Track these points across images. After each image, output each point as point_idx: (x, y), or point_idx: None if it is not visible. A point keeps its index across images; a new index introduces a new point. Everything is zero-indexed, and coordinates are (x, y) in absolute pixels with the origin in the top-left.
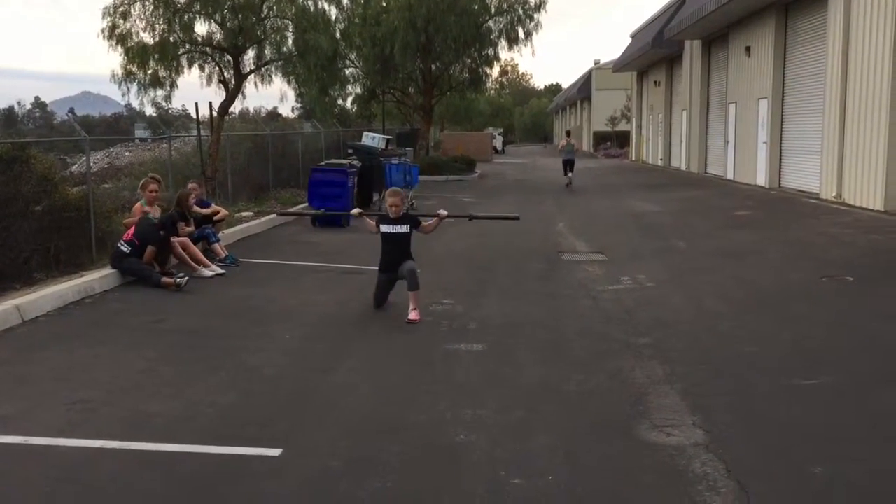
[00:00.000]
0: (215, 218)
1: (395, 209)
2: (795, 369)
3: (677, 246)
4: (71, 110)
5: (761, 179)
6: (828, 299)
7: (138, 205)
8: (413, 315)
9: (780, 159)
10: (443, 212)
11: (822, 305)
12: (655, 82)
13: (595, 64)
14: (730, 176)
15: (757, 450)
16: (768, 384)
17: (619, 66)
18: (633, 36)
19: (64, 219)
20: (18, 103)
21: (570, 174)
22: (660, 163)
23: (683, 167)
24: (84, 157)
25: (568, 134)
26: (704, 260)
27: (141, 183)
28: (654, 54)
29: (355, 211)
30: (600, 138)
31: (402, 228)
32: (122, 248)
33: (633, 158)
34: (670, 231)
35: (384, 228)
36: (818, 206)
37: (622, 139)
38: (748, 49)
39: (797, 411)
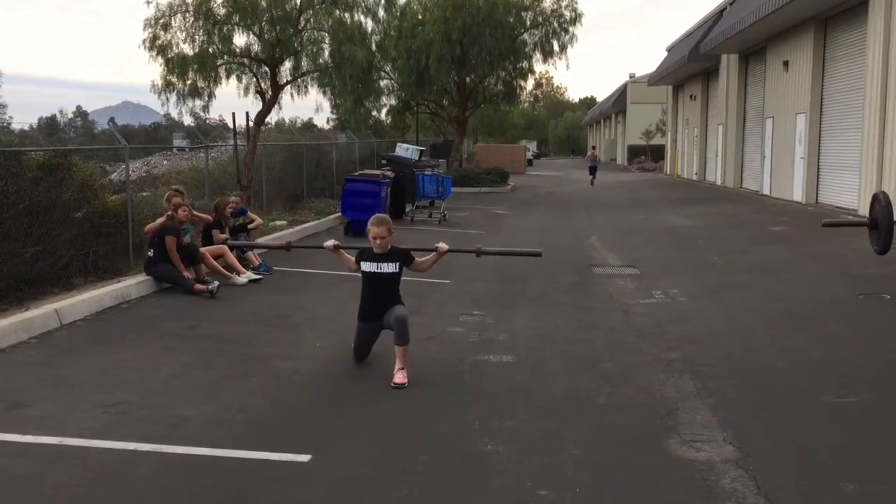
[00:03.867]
0: (250, 226)
1: (381, 242)
2: (829, 386)
3: (711, 261)
4: (111, 119)
5: (798, 195)
6: (864, 317)
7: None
8: (399, 377)
9: (818, 175)
10: (443, 245)
11: (858, 323)
12: (691, 96)
13: (630, 77)
14: (766, 191)
15: (788, 466)
16: (801, 401)
17: (655, 79)
18: (670, 49)
19: (103, 225)
20: (61, 112)
21: (593, 177)
22: (695, 177)
23: (719, 182)
24: (123, 166)
25: (593, 148)
26: (738, 275)
27: (165, 196)
28: (690, 68)
29: (329, 243)
30: (635, 152)
31: (390, 268)
32: (149, 253)
33: (668, 172)
34: (704, 246)
35: (366, 267)
36: None
37: (657, 153)
38: (786, 63)
39: (830, 428)
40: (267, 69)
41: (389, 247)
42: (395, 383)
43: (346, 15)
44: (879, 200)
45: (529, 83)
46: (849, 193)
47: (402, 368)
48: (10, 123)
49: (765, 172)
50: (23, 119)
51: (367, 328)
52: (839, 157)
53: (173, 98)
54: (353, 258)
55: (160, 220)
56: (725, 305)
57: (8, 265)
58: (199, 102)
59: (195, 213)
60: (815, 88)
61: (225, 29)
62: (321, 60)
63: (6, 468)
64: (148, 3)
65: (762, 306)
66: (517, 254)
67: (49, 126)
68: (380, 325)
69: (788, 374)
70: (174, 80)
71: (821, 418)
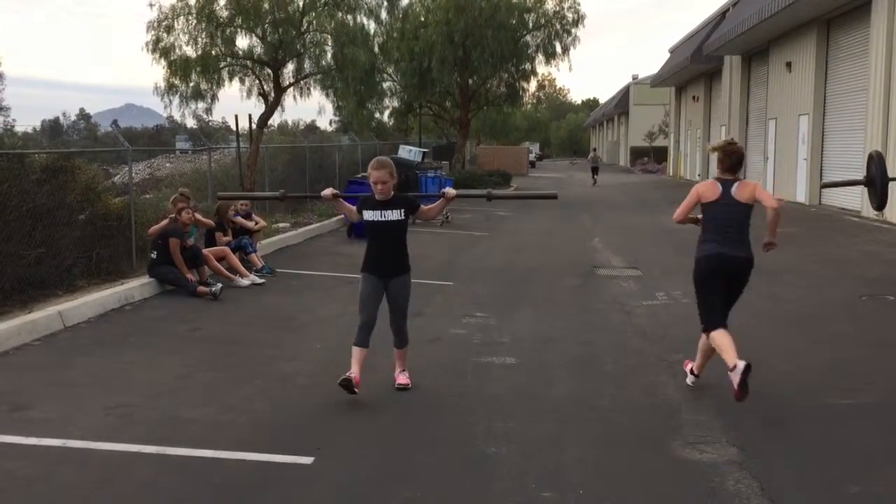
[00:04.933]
0: (253, 228)
1: (383, 188)
2: (832, 388)
3: None
4: (114, 122)
5: (801, 196)
6: (867, 318)
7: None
8: (402, 378)
9: (821, 176)
10: (451, 191)
11: (861, 324)
12: (694, 97)
13: (633, 79)
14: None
15: (792, 468)
16: (804, 403)
17: (658, 81)
18: (672, 51)
19: (106, 228)
20: (64, 115)
21: (595, 177)
22: (698, 179)
23: None
24: (126, 168)
25: (594, 149)
26: None
27: (171, 199)
28: (693, 69)
29: (327, 192)
30: (637, 154)
31: (394, 215)
32: (152, 255)
33: (671, 174)
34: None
35: (368, 216)
36: (859, 224)
37: (660, 155)
38: (789, 64)
39: (833, 430)
40: (270, 71)
41: (392, 193)
42: (399, 384)
43: (349, 17)
44: (874, 159)
45: (532, 85)
46: (852, 195)
47: (404, 370)
48: (13, 126)
49: (768, 174)
50: (26, 121)
51: (375, 282)
52: (842, 158)
53: (176, 100)
54: (354, 208)
55: (163, 223)
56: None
57: (11, 267)
58: (201, 104)
59: (199, 218)
60: (818, 89)
61: (228, 31)
62: (324, 62)
63: (11, 470)
64: (151, 5)
65: (765, 308)
66: (531, 197)
67: (52, 129)
68: (384, 284)
69: (791, 375)
70: (177, 82)
71: (825, 420)
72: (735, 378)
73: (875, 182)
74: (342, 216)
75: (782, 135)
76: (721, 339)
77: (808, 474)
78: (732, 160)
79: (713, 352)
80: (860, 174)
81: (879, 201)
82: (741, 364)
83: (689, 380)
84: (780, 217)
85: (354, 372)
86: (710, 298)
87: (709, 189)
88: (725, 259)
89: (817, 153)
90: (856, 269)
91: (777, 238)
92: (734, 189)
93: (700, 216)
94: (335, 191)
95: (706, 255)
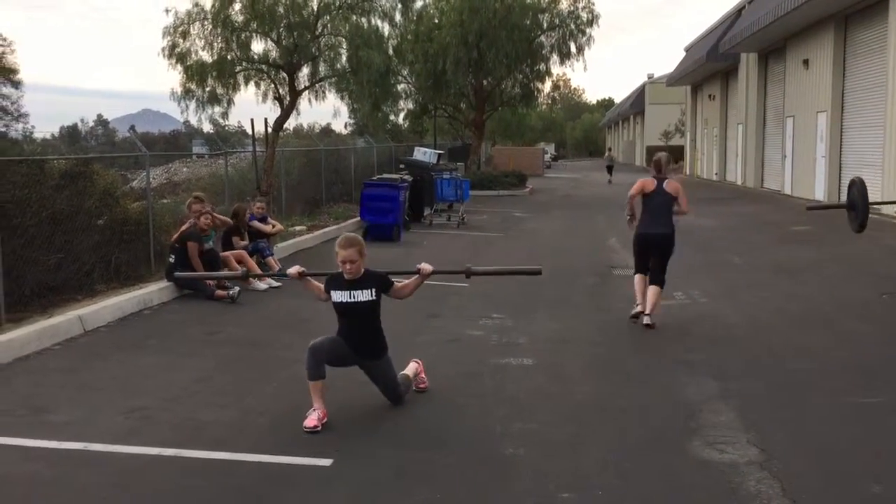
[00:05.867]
0: (270, 232)
1: (352, 267)
2: (853, 387)
3: (732, 261)
4: (132, 127)
5: (819, 194)
6: (887, 316)
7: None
8: (420, 384)
9: (840, 173)
10: (426, 266)
11: (882, 323)
12: (710, 96)
13: (648, 78)
14: (787, 191)
15: (813, 468)
16: (825, 401)
17: (673, 80)
18: (688, 49)
19: (124, 232)
20: (82, 121)
21: (610, 176)
22: (715, 177)
23: (739, 182)
24: (144, 173)
25: (609, 149)
26: (759, 275)
27: (187, 203)
28: (708, 68)
29: (293, 270)
30: (653, 153)
31: (364, 295)
32: (170, 259)
33: (688, 173)
34: (725, 246)
35: (336, 297)
36: (879, 222)
37: (676, 154)
38: (806, 62)
39: (855, 429)
40: (285, 75)
41: (363, 271)
42: (417, 388)
43: (363, 20)
44: (856, 184)
45: (547, 85)
46: (871, 191)
47: (420, 373)
48: (32, 133)
49: (786, 172)
50: (45, 128)
51: (343, 346)
52: (861, 155)
53: (193, 105)
54: (321, 287)
55: (184, 227)
56: (747, 306)
57: (32, 272)
58: (218, 109)
59: (216, 215)
60: (835, 86)
61: (243, 36)
62: (339, 65)
63: (34, 473)
64: (167, 11)
65: (784, 306)
66: (514, 272)
67: (70, 135)
68: (356, 360)
69: (812, 374)
70: (193, 87)
71: (845, 419)
72: (636, 312)
73: (856, 206)
74: (358, 219)
75: (800, 132)
76: (638, 282)
77: (829, 474)
78: (656, 165)
79: (644, 285)
80: (878, 171)
81: (860, 224)
82: (640, 308)
83: (646, 320)
84: (684, 214)
85: (318, 407)
86: (640, 257)
87: (649, 183)
88: (657, 235)
89: (836, 151)
90: (876, 267)
91: (689, 209)
92: (665, 185)
93: (632, 213)
94: (301, 269)
95: (644, 233)
